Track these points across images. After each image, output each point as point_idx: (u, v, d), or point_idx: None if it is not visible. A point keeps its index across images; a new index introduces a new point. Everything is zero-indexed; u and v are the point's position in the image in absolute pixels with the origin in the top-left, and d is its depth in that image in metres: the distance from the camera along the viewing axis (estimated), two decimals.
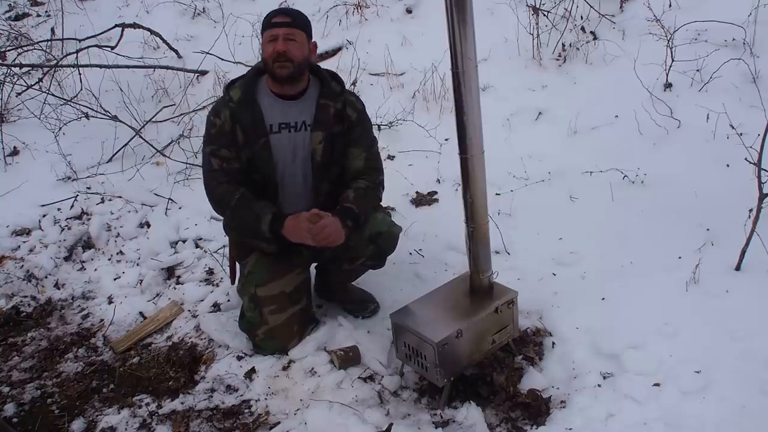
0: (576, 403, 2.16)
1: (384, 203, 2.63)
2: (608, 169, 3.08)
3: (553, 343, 2.42)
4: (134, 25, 4.75)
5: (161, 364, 2.57)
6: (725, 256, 2.55)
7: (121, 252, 3.36)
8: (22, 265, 3.23)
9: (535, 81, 3.87)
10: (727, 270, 2.52)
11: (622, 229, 2.86)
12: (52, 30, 5.11)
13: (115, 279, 3.19)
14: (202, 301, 2.92)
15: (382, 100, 3.94)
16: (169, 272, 3.18)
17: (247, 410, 2.32)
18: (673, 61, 3.45)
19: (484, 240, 2.24)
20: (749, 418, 1.99)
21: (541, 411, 2.19)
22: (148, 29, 4.84)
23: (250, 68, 2.51)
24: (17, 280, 3.15)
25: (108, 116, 4.01)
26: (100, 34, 4.69)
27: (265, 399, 2.34)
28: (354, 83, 4.10)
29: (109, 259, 3.34)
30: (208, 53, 4.47)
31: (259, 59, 2.58)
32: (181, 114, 4.16)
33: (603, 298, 2.55)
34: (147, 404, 2.39)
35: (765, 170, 2.43)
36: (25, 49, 4.93)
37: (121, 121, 4.01)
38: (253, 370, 2.46)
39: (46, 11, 5.89)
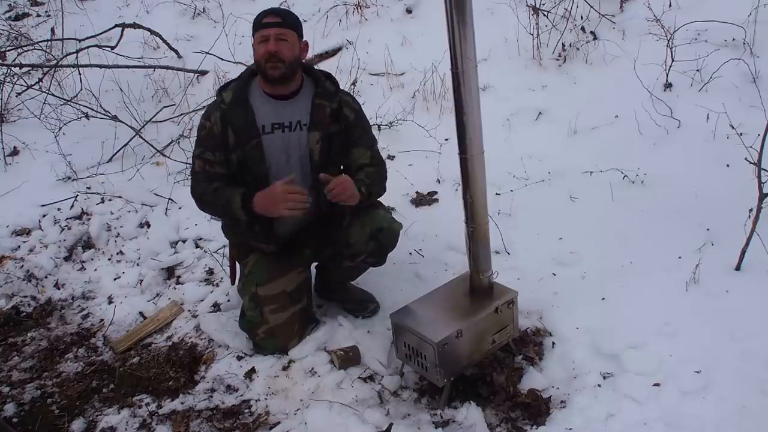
0: (576, 403, 2.16)
1: (384, 203, 2.62)
2: (608, 169, 3.08)
3: (553, 343, 2.42)
4: (134, 25, 4.75)
5: (161, 364, 2.58)
6: (725, 256, 2.55)
7: (121, 252, 3.36)
8: (22, 265, 3.23)
9: (535, 81, 3.87)
10: (727, 270, 2.52)
11: (622, 229, 2.86)
12: (52, 30, 5.11)
13: (115, 279, 3.19)
14: (202, 301, 2.92)
15: (382, 100, 3.94)
16: (169, 272, 3.18)
17: (247, 410, 2.32)
18: (673, 61, 3.45)
19: (484, 240, 2.24)
20: (749, 418, 1.99)
21: (541, 411, 2.19)
22: (148, 29, 4.84)
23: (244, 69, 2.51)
24: (17, 280, 3.15)
25: (108, 116, 4.01)
26: (100, 34, 4.69)
27: (265, 399, 2.34)
28: (354, 83, 4.10)
29: (109, 259, 3.34)
30: (208, 53, 4.47)
31: None
32: (181, 114, 4.16)
33: (603, 298, 2.55)
34: (147, 404, 2.39)
35: (765, 170, 2.43)
36: (25, 49, 4.93)
37: (121, 121, 4.01)
38: (253, 370, 2.46)
39: (46, 11, 5.89)
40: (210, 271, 3.11)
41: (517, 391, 2.26)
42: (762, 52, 3.38)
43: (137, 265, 3.25)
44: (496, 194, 3.17)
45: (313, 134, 2.40)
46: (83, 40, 4.75)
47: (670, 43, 3.44)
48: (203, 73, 4.52)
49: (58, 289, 3.18)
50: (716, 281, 2.48)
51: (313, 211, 2.51)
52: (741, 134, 2.67)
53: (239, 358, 2.54)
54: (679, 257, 2.64)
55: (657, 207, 2.91)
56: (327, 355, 2.46)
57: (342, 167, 2.55)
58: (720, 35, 3.49)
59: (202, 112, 2.54)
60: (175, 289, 3.06)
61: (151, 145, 3.94)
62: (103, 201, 3.68)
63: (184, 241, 3.33)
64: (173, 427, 2.28)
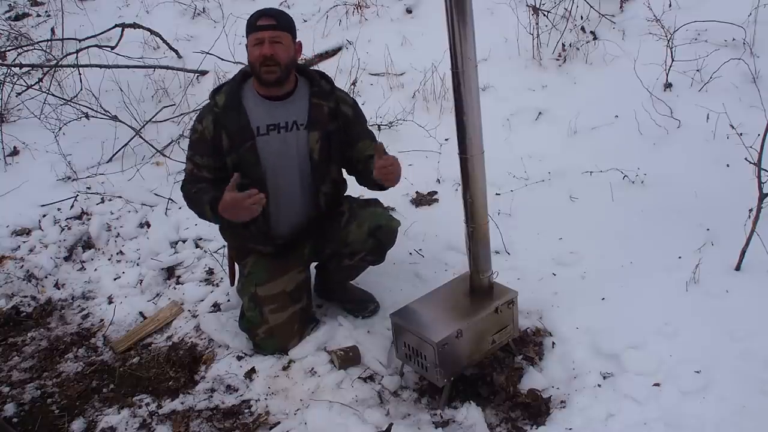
0: (576, 403, 2.16)
1: (384, 203, 2.63)
2: (608, 169, 3.08)
3: (553, 343, 2.42)
4: (134, 25, 4.75)
5: (161, 364, 2.58)
6: (725, 256, 2.55)
7: (121, 252, 3.36)
8: (22, 265, 3.23)
9: (535, 81, 3.87)
10: (727, 270, 2.52)
11: (622, 229, 2.86)
12: (52, 30, 5.11)
13: (115, 279, 3.19)
14: (202, 301, 2.92)
15: (382, 100, 3.94)
16: (169, 272, 3.18)
17: (247, 410, 2.32)
18: (673, 61, 3.45)
19: (484, 240, 2.24)
20: (749, 418, 1.99)
21: (541, 411, 2.19)
22: (148, 29, 4.84)
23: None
24: (17, 280, 3.15)
25: (108, 116, 4.01)
26: (100, 34, 4.69)
27: (265, 399, 2.34)
28: (354, 83, 4.10)
29: (109, 259, 3.34)
30: (208, 53, 4.47)
31: None
32: (181, 114, 4.16)
33: (603, 298, 2.55)
34: (147, 404, 2.39)
35: (765, 170, 2.43)
36: (25, 49, 4.93)
37: (121, 121, 4.01)
38: (253, 370, 2.46)
39: (46, 11, 5.89)
40: (210, 271, 3.11)
41: (517, 391, 2.26)
42: (762, 52, 3.38)
43: (137, 265, 3.25)
44: (496, 194, 3.17)
45: (312, 134, 2.40)
46: (83, 40, 4.75)
47: (670, 43, 3.44)
48: (203, 73, 4.52)
49: (58, 289, 3.18)
50: (716, 281, 2.48)
51: (312, 210, 2.51)
52: (741, 134, 2.67)
53: (239, 358, 2.54)
54: (679, 257, 2.64)
55: (657, 207, 2.91)
56: (327, 355, 2.46)
57: (344, 165, 2.56)
58: (720, 35, 3.49)
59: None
60: (175, 289, 3.06)
61: (151, 145, 3.94)
62: (103, 201, 3.68)
63: (184, 241, 3.33)
64: (173, 427, 2.28)
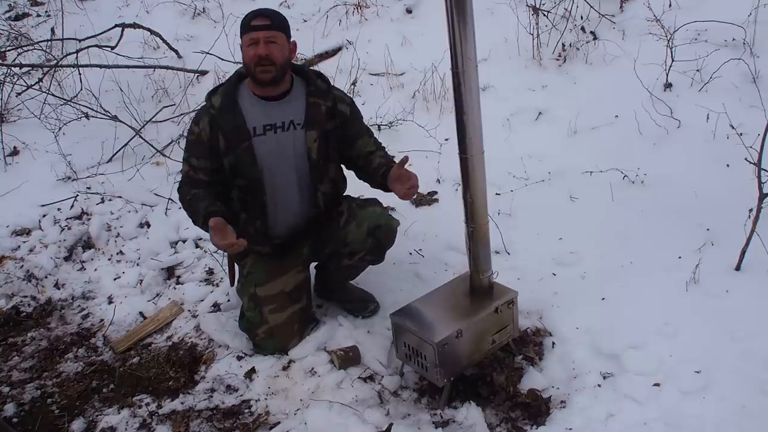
0: (576, 403, 2.16)
1: (384, 203, 2.63)
2: (608, 169, 3.08)
3: (553, 343, 2.42)
4: (134, 25, 4.75)
5: (161, 364, 2.58)
6: (725, 256, 2.55)
7: (121, 252, 3.36)
8: (22, 265, 3.23)
9: (535, 81, 3.87)
10: (727, 270, 2.52)
11: (622, 229, 2.86)
12: (52, 30, 5.11)
13: (115, 279, 3.19)
14: (202, 301, 2.92)
15: (382, 100, 3.94)
16: (169, 272, 3.18)
17: (247, 410, 2.32)
18: (673, 61, 3.45)
19: (484, 240, 2.24)
20: (749, 418, 1.99)
21: (541, 411, 2.19)
22: (148, 29, 4.84)
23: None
24: (17, 280, 3.15)
25: (108, 116, 4.01)
26: (100, 34, 4.69)
27: (265, 399, 2.34)
28: (354, 83, 4.10)
29: (109, 259, 3.34)
30: (208, 53, 4.47)
31: None
32: (181, 114, 4.16)
33: (603, 298, 2.55)
34: (147, 404, 2.39)
35: (765, 170, 2.43)
36: (25, 49, 4.93)
37: (121, 121, 4.01)
38: (253, 370, 2.46)
39: (46, 11, 5.89)
40: (210, 271, 3.11)
41: (517, 391, 2.26)
42: (762, 52, 3.38)
43: (137, 265, 3.25)
44: (496, 194, 3.17)
45: (310, 133, 2.40)
46: (83, 40, 4.75)
47: (670, 43, 3.44)
48: (203, 73, 4.52)
49: (58, 289, 3.18)
50: (716, 281, 2.48)
51: (311, 210, 2.51)
52: (741, 134, 2.67)
53: (239, 358, 2.54)
54: (679, 257, 2.64)
55: (657, 207, 2.91)
56: (327, 355, 2.46)
57: (343, 161, 2.57)
58: (720, 35, 3.49)
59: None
60: (175, 289, 3.06)
61: (151, 145, 3.94)
62: (103, 201, 3.68)
63: (184, 241, 3.33)
64: (173, 427, 2.28)
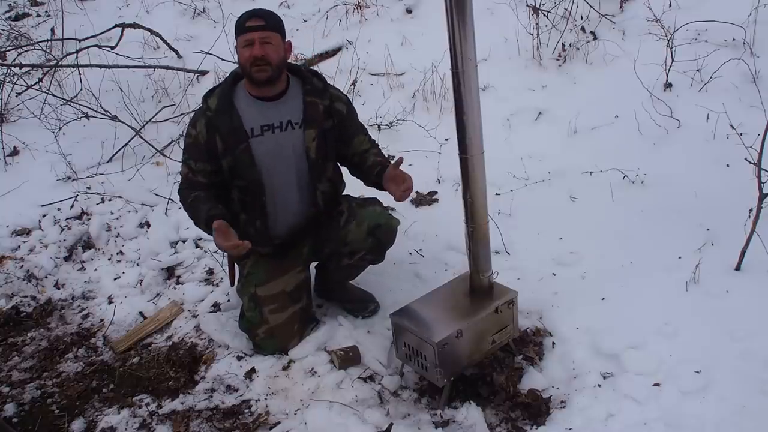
0: (576, 403, 2.16)
1: (384, 202, 2.63)
2: (608, 169, 3.08)
3: (553, 343, 2.42)
4: (134, 25, 4.75)
5: (161, 364, 2.58)
6: (725, 256, 2.55)
7: (121, 252, 3.36)
8: (22, 265, 3.23)
9: (535, 81, 3.87)
10: (727, 270, 2.52)
11: (622, 229, 2.86)
12: (52, 30, 5.11)
13: (115, 279, 3.19)
14: (202, 301, 2.92)
15: (382, 100, 3.94)
16: (169, 272, 3.18)
17: (247, 410, 2.32)
18: (673, 61, 3.45)
19: (484, 240, 2.24)
20: (749, 418, 1.99)
21: (541, 411, 2.19)
22: (148, 29, 4.84)
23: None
24: (17, 280, 3.15)
25: (108, 116, 4.01)
26: (100, 34, 4.69)
27: (265, 399, 2.34)
28: (354, 83, 4.10)
29: (109, 259, 3.34)
30: (208, 53, 4.47)
31: None
32: (181, 114, 4.16)
33: (603, 298, 2.55)
34: (147, 404, 2.39)
35: (765, 170, 2.43)
36: (25, 49, 4.93)
37: (121, 121, 4.01)
38: (253, 370, 2.46)
39: (46, 11, 5.89)
40: (210, 271, 3.11)
41: (517, 391, 2.26)
42: (762, 52, 3.38)
43: (137, 265, 3.25)
44: (496, 194, 3.17)
45: (308, 132, 2.40)
46: (83, 40, 4.75)
47: (670, 43, 3.44)
48: (203, 73, 4.52)
49: (58, 289, 3.18)
50: (716, 281, 2.48)
51: (311, 210, 2.51)
52: (741, 134, 2.67)
53: (239, 358, 2.54)
54: (679, 257, 2.64)
55: (657, 207, 2.91)
56: (327, 355, 2.46)
57: (338, 159, 2.57)
58: (720, 35, 3.49)
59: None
60: (175, 289, 3.06)
61: (151, 145, 3.95)
62: (103, 201, 3.68)
63: (184, 241, 3.33)
64: (173, 427, 2.28)
